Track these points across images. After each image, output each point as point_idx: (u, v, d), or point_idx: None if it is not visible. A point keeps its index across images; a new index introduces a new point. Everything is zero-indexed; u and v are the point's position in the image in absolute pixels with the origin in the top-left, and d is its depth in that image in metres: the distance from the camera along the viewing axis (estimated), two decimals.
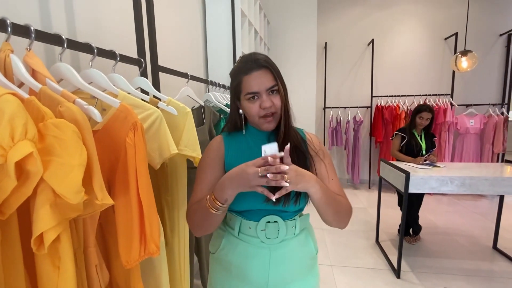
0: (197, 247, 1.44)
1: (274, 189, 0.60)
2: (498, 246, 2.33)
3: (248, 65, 0.71)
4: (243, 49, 2.30)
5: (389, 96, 3.97)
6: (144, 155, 0.67)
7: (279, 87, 0.71)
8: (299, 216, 0.77)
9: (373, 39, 3.93)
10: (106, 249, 0.73)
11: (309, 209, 0.79)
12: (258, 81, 0.69)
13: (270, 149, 0.57)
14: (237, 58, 2.24)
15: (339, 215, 0.72)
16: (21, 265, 0.49)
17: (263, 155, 0.57)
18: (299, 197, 0.71)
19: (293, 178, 0.59)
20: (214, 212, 0.65)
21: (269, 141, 0.74)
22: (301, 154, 0.74)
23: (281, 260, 0.72)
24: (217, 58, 2.24)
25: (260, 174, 0.57)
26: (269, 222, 0.71)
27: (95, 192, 0.52)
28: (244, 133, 0.79)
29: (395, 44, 4.01)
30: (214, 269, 0.80)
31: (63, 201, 0.48)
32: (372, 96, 4.01)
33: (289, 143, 0.61)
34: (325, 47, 4.12)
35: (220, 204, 0.64)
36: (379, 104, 3.95)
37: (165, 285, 0.87)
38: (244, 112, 0.75)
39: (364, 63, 4.10)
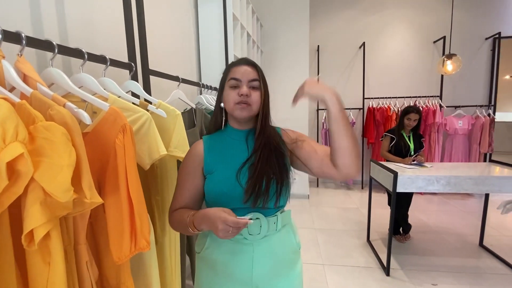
0: (189, 248, 1.46)
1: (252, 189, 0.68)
2: (484, 243, 2.40)
3: (239, 61, 0.79)
4: (236, 52, 2.34)
5: (381, 98, 4.05)
6: (133, 155, 0.70)
7: (260, 85, 0.76)
8: (281, 213, 0.80)
9: (364, 42, 4.01)
10: (96, 247, 0.75)
11: (290, 206, 0.82)
12: (243, 71, 0.76)
13: (243, 219, 0.63)
14: (230, 61, 2.28)
15: (355, 143, 0.69)
16: (12, 261, 0.51)
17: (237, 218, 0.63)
18: (279, 197, 0.75)
19: (309, 84, 0.68)
20: (192, 231, 0.70)
21: (246, 139, 0.80)
22: (277, 152, 0.77)
23: (264, 255, 0.76)
24: (210, 62, 2.27)
25: (229, 232, 0.61)
26: (251, 219, 0.74)
27: (84, 191, 0.54)
28: (224, 131, 0.82)
29: (385, 47, 4.10)
30: (200, 268, 0.83)
31: (52, 199, 0.51)
32: (364, 98, 4.08)
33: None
34: (318, 50, 4.18)
35: (196, 230, 0.69)
36: (370, 105, 4.03)
37: (155, 282, 0.89)
38: (224, 101, 0.79)
39: (355, 65, 4.17)
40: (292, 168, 0.82)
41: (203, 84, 1.77)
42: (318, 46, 4.17)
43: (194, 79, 2.19)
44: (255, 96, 0.75)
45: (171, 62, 1.82)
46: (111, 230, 0.70)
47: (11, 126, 0.42)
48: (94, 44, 1.11)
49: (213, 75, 2.28)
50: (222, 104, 0.80)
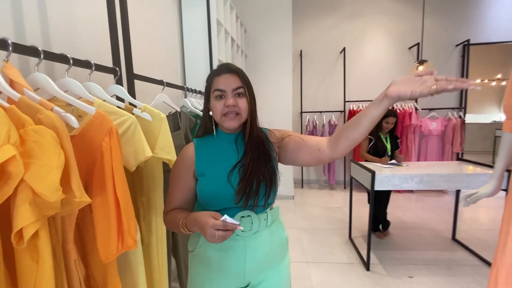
0: (174, 249, 1.48)
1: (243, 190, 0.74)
2: (457, 237, 2.55)
3: (220, 69, 0.80)
4: (220, 56, 2.38)
5: (361, 101, 4.21)
6: (120, 157, 0.73)
7: (245, 91, 0.78)
8: (270, 209, 0.85)
9: (344, 48, 4.17)
10: (83, 247, 0.77)
11: (277, 203, 0.88)
12: (226, 81, 0.77)
13: (230, 219, 0.65)
14: (214, 65, 2.33)
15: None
16: (0, 260, 0.53)
17: (222, 219, 0.65)
18: (267, 199, 0.79)
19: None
20: (185, 232, 0.74)
21: (236, 142, 0.83)
22: (266, 156, 0.82)
23: (255, 249, 0.80)
24: (194, 66, 2.30)
25: (215, 237, 0.63)
26: (243, 216, 0.79)
27: (73, 191, 0.57)
28: (214, 135, 0.85)
29: (365, 53, 4.28)
30: (193, 266, 0.86)
31: (41, 199, 0.53)
32: (345, 101, 4.23)
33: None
34: (301, 55, 4.30)
35: (189, 231, 0.74)
36: (351, 108, 4.18)
37: (142, 281, 0.92)
38: (212, 111, 0.81)
39: (337, 70, 4.32)
40: (278, 169, 0.85)
41: (187, 87, 1.80)
42: (301, 50, 4.29)
43: (179, 82, 2.22)
44: (242, 103, 0.77)
45: (156, 66, 1.84)
46: (99, 229, 0.72)
47: (3, 129, 0.45)
48: (76, 48, 1.12)
49: (197, 79, 2.31)
50: (210, 113, 0.82)
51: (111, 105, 0.86)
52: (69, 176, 0.57)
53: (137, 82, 1.23)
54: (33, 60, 0.85)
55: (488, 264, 2.12)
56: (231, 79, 0.77)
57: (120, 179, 0.72)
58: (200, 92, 2.00)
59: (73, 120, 0.62)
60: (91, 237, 0.77)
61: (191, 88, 1.86)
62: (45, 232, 0.56)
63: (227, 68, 0.79)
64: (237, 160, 0.80)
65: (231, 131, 0.82)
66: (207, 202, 0.79)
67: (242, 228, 0.65)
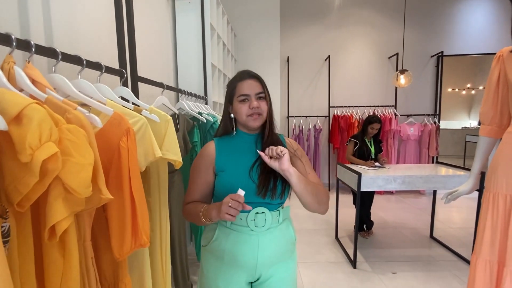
0: (171, 253, 1.47)
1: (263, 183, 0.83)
2: (434, 235, 2.74)
3: (243, 75, 0.90)
4: (213, 60, 2.42)
5: (344, 106, 4.39)
6: (136, 156, 0.76)
7: (266, 95, 0.88)
8: (282, 208, 0.91)
9: (329, 55, 4.34)
10: (95, 245, 0.78)
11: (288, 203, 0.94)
12: (249, 86, 0.87)
13: (241, 191, 0.75)
14: (207, 68, 2.36)
15: (317, 197, 0.86)
16: (32, 254, 0.54)
17: (237, 191, 0.75)
18: (283, 192, 0.87)
19: (284, 164, 0.79)
20: (204, 222, 0.81)
21: (256, 142, 0.91)
22: None
23: (267, 244, 0.85)
24: (187, 69, 2.33)
25: (229, 204, 0.72)
26: (257, 213, 0.84)
27: (99, 188, 0.59)
28: (234, 134, 0.92)
29: (348, 61, 4.48)
30: (206, 260, 0.91)
31: (72, 196, 0.55)
32: (329, 107, 4.40)
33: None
34: (288, 61, 4.42)
35: (209, 220, 0.80)
36: (335, 113, 4.35)
37: (148, 280, 0.93)
38: (235, 113, 0.89)
39: (322, 76, 4.49)
40: None
41: (183, 90, 1.82)
42: (288, 57, 4.41)
43: (171, 85, 2.23)
44: (263, 106, 0.87)
45: (150, 69, 1.85)
46: (113, 227, 0.74)
47: (47, 127, 0.47)
48: (77, 49, 1.12)
49: (190, 82, 2.33)
50: (232, 115, 0.91)
51: (122, 107, 0.88)
52: (96, 173, 0.59)
53: (139, 85, 1.25)
54: (37, 59, 0.86)
55: (464, 259, 2.30)
56: (254, 84, 0.87)
57: (136, 178, 0.75)
58: (194, 95, 2.02)
59: (97, 120, 0.65)
60: (103, 236, 0.78)
61: (186, 91, 1.88)
62: (73, 228, 0.58)
63: (249, 75, 0.88)
64: (257, 158, 0.87)
65: (253, 131, 0.90)
66: (226, 195, 0.84)
67: (244, 192, 0.74)
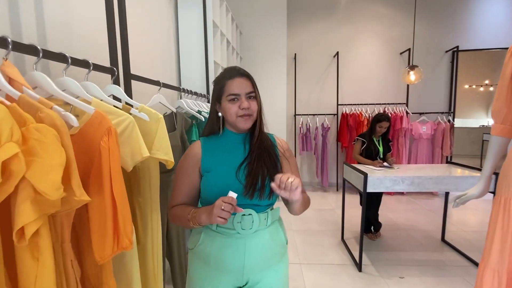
0: (169, 251, 1.47)
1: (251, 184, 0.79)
2: (446, 238, 2.62)
3: (232, 72, 0.84)
4: (216, 58, 2.40)
5: (353, 104, 4.28)
6: (118, 157, 0.73)
7: (256, 95, 0.84)
8: (271, 210, 0.87)
9: (338, 52, 4.23)
10: (78, 247, 0.77)
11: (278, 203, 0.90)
12: (239, 85, 0.82)
13: (232, 194, 0.73)
14: (209, 66, 2.33)
15: (305, 206, 0.88)
16: (1, 257, 0.53)
17: (228, 195, 0.73)
18: (272, 193, 0.82)
19: (296, 196, 0.73)
20: (191, 225, 0.78)
21: (244, 142, 0.87)
22: (272, 156, 0.86)
23: (255, 248, 0.82)
24: (190, 67, 2.31)
25: (222, 207, 0.70)
26: (244, 215, 0.81)
27: (73, 190, 0.57)
28: (220, 134, 0.89)
29: (357, 57, 4.35)
30: (192, 263, 0.88)
31: (42, 197, 0.53)
32: (338, 104, 4.29)
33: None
34: (295, 58, 4.35)
35: (197, 224, 0.77)
36: (344, 111, 4.24)
37: (136, 281, 0.91)
38: (224, 112, 0.85)
39: (330, 73, 4.38)
40: None
41: (183, 88, 1.80)
42: (295, 54, 4.34)
43: (174, 83, 2.22)
44: (254, 105, 0.83)
45: (151, 67, 1.84)
46: (94, 229, 0.72)
47: (7, 127, 0.45)
48: (72, 47, 1.12)
49: (193, 80, 2.32)
50: (219, 114, 0.87)
51: (108, 105, 0.86)
52: (69, 174, 0.57)
53: (133, 83, 1.23)
54: (28, 58, 0.85)
55: (476, 264, 2.18)
56: (244, 83, 0.82)
57: (118, 179, 0.72)
58: (196, 93, 2.00)
59: (73, 119, 0.63)
60: (87, 238, 0.76)
61: (186, 89, 1.86)
62: (46, 230, 0.56)
63: (238, 72, 0.83)
64: (244, 158, 0.83)
65: (242, 131, 0.86)
66: (212, 197, 0.80)
67: (236, 194, 0.71)
